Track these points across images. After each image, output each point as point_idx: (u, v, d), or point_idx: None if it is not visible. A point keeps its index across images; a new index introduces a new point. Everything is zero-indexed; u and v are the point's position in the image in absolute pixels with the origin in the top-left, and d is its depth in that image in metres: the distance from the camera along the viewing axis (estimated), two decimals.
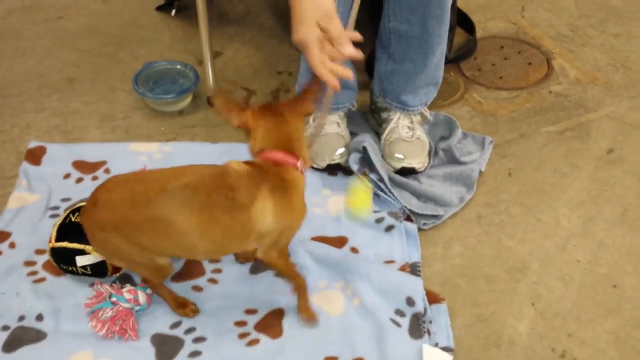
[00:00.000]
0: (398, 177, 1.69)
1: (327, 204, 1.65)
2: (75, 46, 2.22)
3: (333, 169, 1.73)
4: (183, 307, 1.40)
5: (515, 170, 1.76)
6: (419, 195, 1.66)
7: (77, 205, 1.52)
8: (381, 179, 1.63)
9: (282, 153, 1.25)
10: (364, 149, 1.67)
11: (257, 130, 1.27)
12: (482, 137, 1.82)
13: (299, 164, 1.26)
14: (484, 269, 1.53)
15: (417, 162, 1.70)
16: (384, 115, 1.79)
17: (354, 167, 1.66)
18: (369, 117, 1.89)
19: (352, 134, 1.79)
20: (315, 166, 1.73)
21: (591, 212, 1.65)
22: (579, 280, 1.50)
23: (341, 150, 1.72)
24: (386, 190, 1.62)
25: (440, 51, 1.67)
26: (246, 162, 1.27)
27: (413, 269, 1.50)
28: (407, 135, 1.72)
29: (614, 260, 1.54)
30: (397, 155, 1.70)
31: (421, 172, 1.72)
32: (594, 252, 1.56)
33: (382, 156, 1.72)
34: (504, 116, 1.93)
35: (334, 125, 1.75)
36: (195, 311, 1.41)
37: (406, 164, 1.70)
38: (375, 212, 1.62)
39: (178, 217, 1.19)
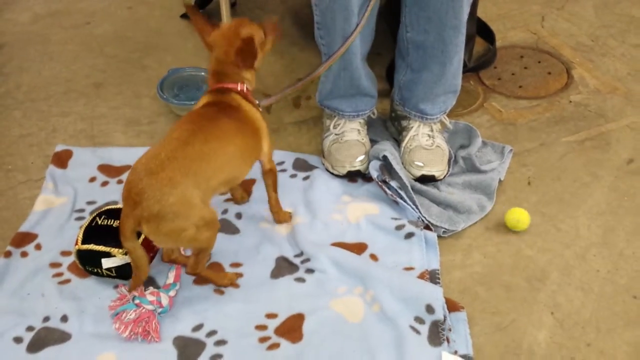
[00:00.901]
0: (418, 185, 1.70)
1: (347, 211, 1.67)
2: (102, 52, 2.27)
3: (353, 176, 1.75)
4: (225, 277, 1.49)
5: (535, 179, 1.77)
6: (438, 203, 1.67)
7: (104, 209, 1.55)
8: (401, 187, 1.65)
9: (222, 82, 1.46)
10: (384, 157, 1.69)
11: (213, 50, 1.48)
12: (501, 146, 1.83)
13: (238, 87, 1.46)
14: (504, 277, 1.54)
15: (437, 170, 1.72)
16: (404, 123, 1.80)
17: (374, 174, 1.68)
18: (388, 125, 1.91)
19: (372, 142, 1.80)
20: (335, 172, 1.75)
21: (611, 222, 1.65)
22: (599, 290, 1.50)
23: (361, 157, 1.73)
24: (406, 198, 1.64)
25: (458, 60, 1.68)
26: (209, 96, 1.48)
27: (432, 276, 1.51)
28: (427, 143, 1.74)
29: (634, 270, 1.54)
30: (417, 162, 1.72)
31: (441, 180, 1.73)
32: (613, 262, 1.56)
33: (402, 164, 1.74)
34: (523, 125, 1.94)
35: (355, 133, 1.77)
36: (238, 275, 1.51)
37: (426, 171, 1.71)
38: (395, 219, 1.64)
39: (216, 134, 1.38)
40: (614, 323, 1.44)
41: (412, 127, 1.77)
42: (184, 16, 2.40)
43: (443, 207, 1.67)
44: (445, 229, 1.61)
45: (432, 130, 1.76)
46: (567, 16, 2.37)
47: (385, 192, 1.66)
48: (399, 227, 1.62)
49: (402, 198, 1.64)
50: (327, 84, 1.77)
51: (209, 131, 1.38)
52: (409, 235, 1.60)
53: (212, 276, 1.48)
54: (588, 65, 2.16)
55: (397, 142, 1.83)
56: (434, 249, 1.58)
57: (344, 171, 1.74)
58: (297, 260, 1.55)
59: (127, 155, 1.82)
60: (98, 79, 2.15)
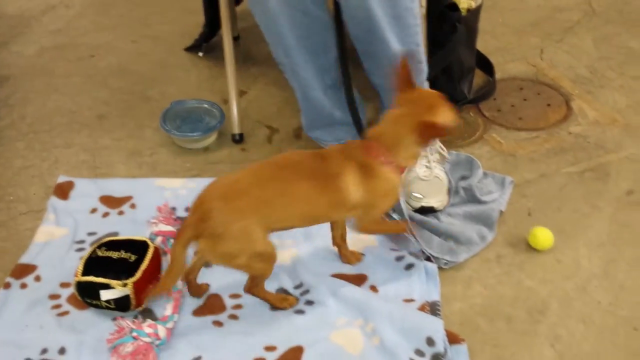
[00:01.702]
0: (418, 216, 1.70)
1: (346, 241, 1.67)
2: (106, 84, 2.30)
3: None
4: (285, 300, 1.51)
5: (535, 210, 1.77)
6: (439, 233, 1.67)
7: (104, 240, 1.56)
8: (402, 219, 1.65)
9: (378, 146, 1.40)
10: None
11: (397, 107, 1.42)
12: (502, 177, 1.83)
13: (383, 158, 1.39)
14: (504, 309, 1.53)
15: (436, 200, 1.72)
16: None
17: None
18: None
19: None
20: None
21: (612, 253, 1.65)
22: (600, 322, 1.49)
23: None
24: (408, 232, 1.64)
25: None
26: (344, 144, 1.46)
27: (433, 308, 1.50)
28: (424, 175, 1.74)
29: (634, 302, 1.53)
30: (415, 194, 1.72)
31: (440, 210, 1.74)
32: (614, 294, 1.55)
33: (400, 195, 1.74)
34: (523, 156, 1.95)
35: None
36: (296, 300, 1.52)
37: (425, 203, 1.71)
38: (394, 250, 1.64)
39: (295, 184, 1.38)
40: (615, 356, 1.42)
41: None
42: (188, 49, 2.44)
43: (444, 237, 1.66)
44: (447, 260, 1.61)
45: (429, 162, 1.77)
46: (566, 48, 2.40)
47: None
48: (399, 259, 1.61)
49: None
50: (304, 115, 1.81)
51: (292, 182, 1.39)
52: (409, 267, 1.59)
53: (270, 298, 1.51)
54: (587, 97, 2.17)
55: None
56: (434, 280, 1.57)
57: None
58: (296, 292, 1.55)
59: (129, 186, 1.83)
60: (101, 110, 2.18)
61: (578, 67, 2.30)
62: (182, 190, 1.82)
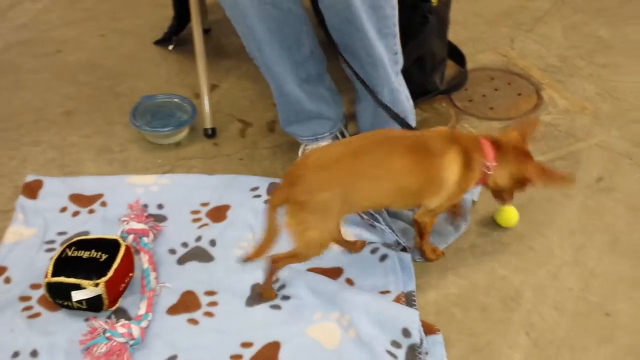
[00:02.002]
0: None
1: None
2: (74, 80, 2.26)
3: None
4: (434, 252, 1.59)
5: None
6: (413, 224, 1.68)
7: (74, 240, 1.53)
8: (377, 212, 1.65)
9: (492, 151, 1.46)
10: None
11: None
12: None
13: (488, 163, 1.45)
14: (479, 298, 1.54)
15: None
16: None
17: None
18: None
19: None
20: None
21: (582, 240, 1.67)
22: (572, 308, 1.51)
23: None
24: (382, 223, 1.64)
25: (389, 90, 1.72)
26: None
27: (408, 298, 1.51)
28: None
29: (606, 288, 1.55)
30: None
31: None
32: (586, 280, 1.57)
33: None
34: None
35: None
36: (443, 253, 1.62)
37: None
38: (369, 242, 1.64)
39: (392, 158, 1.39)
40: (588, 341, 1.45)
41: None
42: (158, 42, 2.40)
43: None
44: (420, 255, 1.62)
45: None
46: (536, 38, 2.42)
47: (361, 217, 1.67)
48: (373, 251, 1.62)
49: (378, 222, 1.65)
50: (279, 110, 1.79)
51: (389, 155, 1.41)
52: (384, 258, 1.60)
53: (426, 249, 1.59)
54: (557, 85, 2.20)
55: None
56: (408, 270, 1.58)
57: None
58: (273, 287, 1.54)
59: (99, 184, 1.80)
60: (70, 107, 2.14)
61: (548, 57, 2.33)
62: (153, 187, 1.80)
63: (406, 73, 1.82)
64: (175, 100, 2.05)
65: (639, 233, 1.68)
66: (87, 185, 1.80)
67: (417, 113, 1.92)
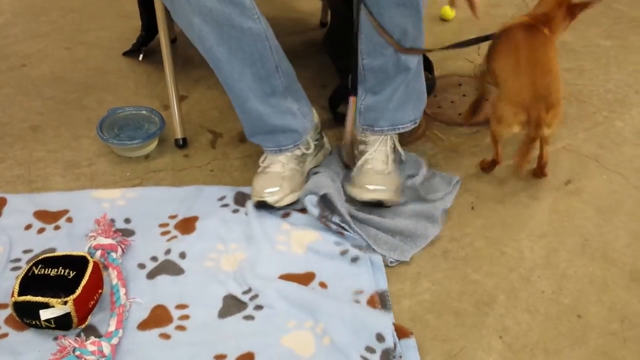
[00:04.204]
0: (361, 215, 1.70)
1: (290, 241, 1.66)
2: (39, 94, 2.22)
3: (261, 207, 1.72)
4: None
5: (478, 204, 1.80)
6: (385, 230, 1.68)
7: (41, 257, 1.50)
8: (344, 221, 1.65)
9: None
10: (325, 195, 1.68)
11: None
12: (449, 177, 1.85)
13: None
14: (452, 303, 1.54)
15: (387, 196, 1.73)
16: (361, 147, 1.82)
17: (314, 211, 1.67)
18: (341, 152, 1.89)
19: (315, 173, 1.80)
20: (252, 202, 1.74)
21: (553, 243, 1.69)
22: (545, 311, 1.52)
23: (271, 189, 1.71)
24: (350, 231, 1.65)
25: (418, 61, 1.75)
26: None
27: (382, 298, 1.52)
28: (380, 169, 1.75)
29: (577, 290, 1.57)
30: (367, 186, 1.72)
31: (388, 207, 1.74)
32: (557, 283, 1.59)
33: (352, 185, 1.75)
34: (465, 151, 1.98)
35: (278, 165, 1.75)
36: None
37: (376, 196, 1.72)
38: (338, 244, 1.64)
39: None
40: (561, 343, 1.46)
41: (367, 151, 1.78)
42: (127, 53, 2.38)
43: (391, 234, 1.67)
44: (394, 259, 1.62)
45: (387, 157, 1.77)
46: None
47: (329, 227, 1.66)
48: (343, 252, 1.61)
49: (346, 230, 1.65)
50: (242, 124, 1.77)
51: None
52: (355, 259, 1.60)
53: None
54: None
55: (348, 167, 1.83)
56: (380, 270, 1.58)
57: (254, 201, 1.73)
58: (245, 298, 1.53)
59: (64, 199, 1.77)
60: (35, 122, 2.10)
61: None
62: (120, 201, 1.77)
63: None
64: (144, 112, 2.03)
65: (608, 235, 1.71)
66: (52, 201, 1.77)
67: None
